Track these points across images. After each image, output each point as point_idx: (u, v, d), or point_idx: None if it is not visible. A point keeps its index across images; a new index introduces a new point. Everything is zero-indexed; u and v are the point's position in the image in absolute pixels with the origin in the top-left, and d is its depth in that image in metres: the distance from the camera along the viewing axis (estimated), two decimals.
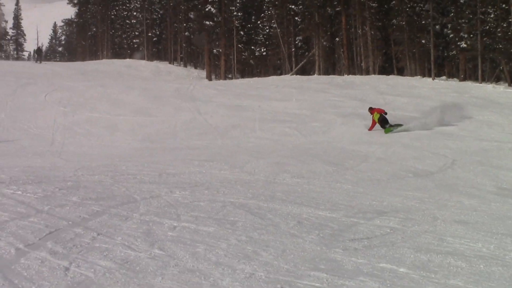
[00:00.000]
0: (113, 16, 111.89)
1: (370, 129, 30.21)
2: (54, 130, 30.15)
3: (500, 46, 51.84)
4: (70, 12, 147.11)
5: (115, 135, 29.87)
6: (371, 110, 30.91)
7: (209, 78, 75.84)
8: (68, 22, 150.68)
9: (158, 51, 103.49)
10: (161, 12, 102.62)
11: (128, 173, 14.39)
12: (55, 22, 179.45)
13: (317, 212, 9.94)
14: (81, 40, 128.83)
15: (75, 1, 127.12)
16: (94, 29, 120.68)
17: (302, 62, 75.08)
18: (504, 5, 51.33)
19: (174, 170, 15.87)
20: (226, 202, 10.34)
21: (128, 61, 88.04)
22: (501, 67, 55.28)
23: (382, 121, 30.00)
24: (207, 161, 18.68)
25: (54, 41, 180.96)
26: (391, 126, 29.63)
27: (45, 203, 9.31)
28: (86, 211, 8.94)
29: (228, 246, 7.35)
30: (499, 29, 52.34)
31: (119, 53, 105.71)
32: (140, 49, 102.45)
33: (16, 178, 11.80)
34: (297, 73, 71.23)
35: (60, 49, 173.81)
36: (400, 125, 29.91)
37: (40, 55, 76.92)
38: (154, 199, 10.27)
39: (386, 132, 29.25)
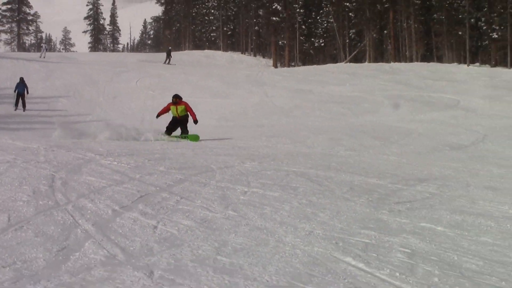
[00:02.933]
0: (194, 14, 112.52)
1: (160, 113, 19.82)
2: (144, 111, 30.44)
3: None
4: (157, 10, 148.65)
5: (196, 115, 30.08)
6: (178, 100, 19.45)
7: (275, 66, 75.76)
8: (156, 19, 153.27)
9: (232, 43, 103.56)
10: (234, 9, 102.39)
11: (206, 146, 14.49)
12: (145, 19, 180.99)
13: (367, 180, 9.90)
14: (167, 34, 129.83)
15: (162, 1, 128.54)
16: (178, 24, 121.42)
17: (355, 52, 74.56)
18: None
19: (245, 144, 15.92)
20: (289, 171, 10.34)
21: (206, 51, 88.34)
22: None
23: (180, 122, 19.28)
24: (273, 136, 18.70)
25: (144, 35, 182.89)
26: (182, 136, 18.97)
27: (137, 172, 9.42)
28: (171, 178, 9.01)
29: (291, 208, 7.35)
30: None
31: (199, 45, 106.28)
32: (217, 41, 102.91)
33: (112, 151, 11.94)
34: (350, 61, 70.87)
35: (149, 42, 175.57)
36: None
37: (169, 56, 62.64)
38: (228, 169, 10.32)
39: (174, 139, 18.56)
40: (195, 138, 18.10)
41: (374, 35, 72.07)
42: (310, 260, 5.21)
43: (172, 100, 19.29)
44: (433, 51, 68.73)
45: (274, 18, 78.78)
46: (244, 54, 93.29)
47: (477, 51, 62.65)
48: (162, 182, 8.69)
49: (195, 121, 19.14)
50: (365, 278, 4.77)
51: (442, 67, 52.29)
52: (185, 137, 18.39)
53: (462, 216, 7.32)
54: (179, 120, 19.08)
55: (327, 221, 6.77)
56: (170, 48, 67.43)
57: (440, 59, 66.04)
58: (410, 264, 5.23)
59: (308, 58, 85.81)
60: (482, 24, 59.37)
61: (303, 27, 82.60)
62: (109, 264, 4.88)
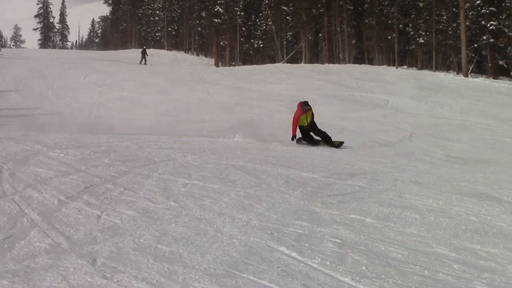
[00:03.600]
0: (140, 14, 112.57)
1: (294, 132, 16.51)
2: (91, 106, 30.08)
3: (450, 42, 52.82)
4: (105, 10, 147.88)
5: (140, 110, 29.77)
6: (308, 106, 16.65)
7: (216, 65, 75.86)
8: (103, 19, 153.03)
9: (176, 43, 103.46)
10: (178, 11, 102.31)
11: (150, 140, 14.35)
12: (93, 19, 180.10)
13: (301, 173, 9.93)
14: (114, 33, 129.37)
15: (110, 2, 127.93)
16: (125, 24, 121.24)
17: (292, 53, 75.09)
18: (454, 9, 51.94)
19: (187, 139, 15.83)
20: (228, 165, 10.31)
21: (151, 50, 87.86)
22: (451, 59, 56.04)
23: (311, 128, 16.85)
24: (214, 131, 18.62)
25: (92, 34, 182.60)
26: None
27: (83, 164, 9.29)
28: (115, 170, 8.92)
29: (229, 199, 7.33)
30: (450, 28, 53.23)
31: (144, 44, 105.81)
32: (161, 40, 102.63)
33: (59, 144, 11.75)
34: (287, 61, 71.31)
35: (96, 40, 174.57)
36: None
37: (144, 55, 58.65)
38: (170, 162, 10.24)
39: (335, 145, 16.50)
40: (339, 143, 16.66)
41: (310, 38, 72.71)
42: (246, 249, 5.21)
43: (303, 109, 16.37)
44: (364, 54, 69.88)
45: (216, 20, 79.05)
46: (187, 53, 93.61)
47: (405, 55, 64.05)
48: (107, 173, 8.60)
49: None
50: (297, 267, 4.79)
51: (372, 69, 52.97)
52: (336, 144, 16.52)
53: (389, 209, 7.41)
54: (309, 128, 16.67)
55: (263, 212, 6.77)
56: (145, 47, 63.92)
57: (371, 61, 67.18)
58: (340, 254, 5.27)
59: (248, 58, 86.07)
60: (410, 30, 60.80)
61: (243, 29, 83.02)
62: (54, 252, 4.82)
